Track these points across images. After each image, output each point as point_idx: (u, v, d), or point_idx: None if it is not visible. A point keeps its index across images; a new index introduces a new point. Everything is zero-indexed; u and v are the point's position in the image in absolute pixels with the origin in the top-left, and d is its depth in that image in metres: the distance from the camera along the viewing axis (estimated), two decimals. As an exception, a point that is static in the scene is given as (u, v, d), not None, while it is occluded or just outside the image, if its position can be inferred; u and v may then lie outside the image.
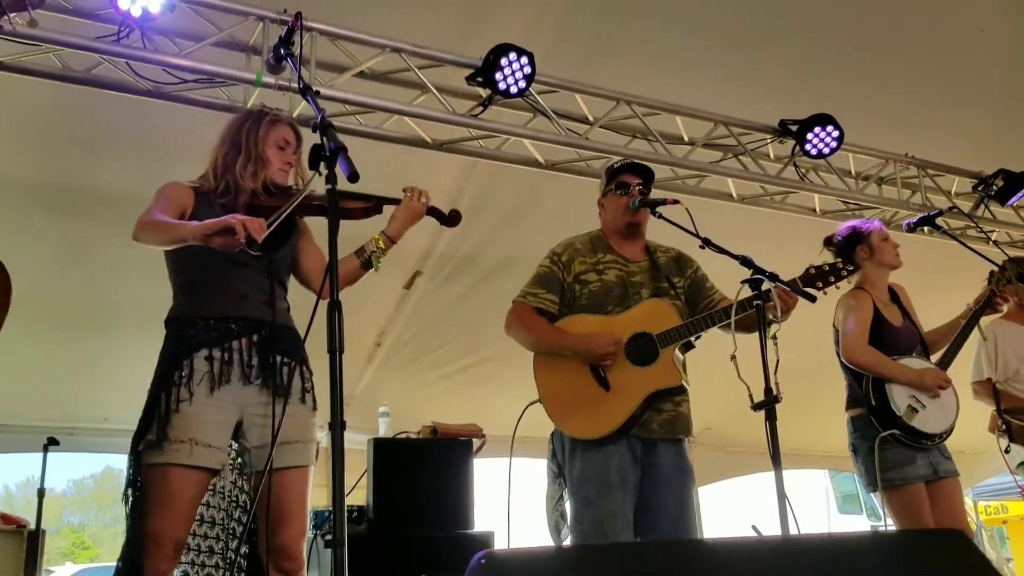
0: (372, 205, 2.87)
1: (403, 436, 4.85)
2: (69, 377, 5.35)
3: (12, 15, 2.26)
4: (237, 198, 2.68)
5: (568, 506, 3.09)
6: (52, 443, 4.62)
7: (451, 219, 3.03)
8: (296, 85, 3.50)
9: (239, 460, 2.68)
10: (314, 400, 2.70)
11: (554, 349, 3.08)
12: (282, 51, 3.06)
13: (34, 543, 4.41)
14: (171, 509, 2.46)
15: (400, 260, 5.28)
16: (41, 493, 4.59)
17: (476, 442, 4.83)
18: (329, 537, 4.11)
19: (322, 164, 2.12)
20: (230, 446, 2.64)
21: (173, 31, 3.48)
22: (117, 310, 5.00)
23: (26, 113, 3.93)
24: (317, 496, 5.76)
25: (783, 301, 2.92)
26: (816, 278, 3.09)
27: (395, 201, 2.89)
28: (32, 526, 4.53)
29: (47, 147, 4.20)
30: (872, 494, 3.80)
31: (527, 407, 3.12)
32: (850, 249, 3.97)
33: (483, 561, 1.14)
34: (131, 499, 2.57)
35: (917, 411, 3.66)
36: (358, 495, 4.60)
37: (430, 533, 4.39)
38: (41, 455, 4.72)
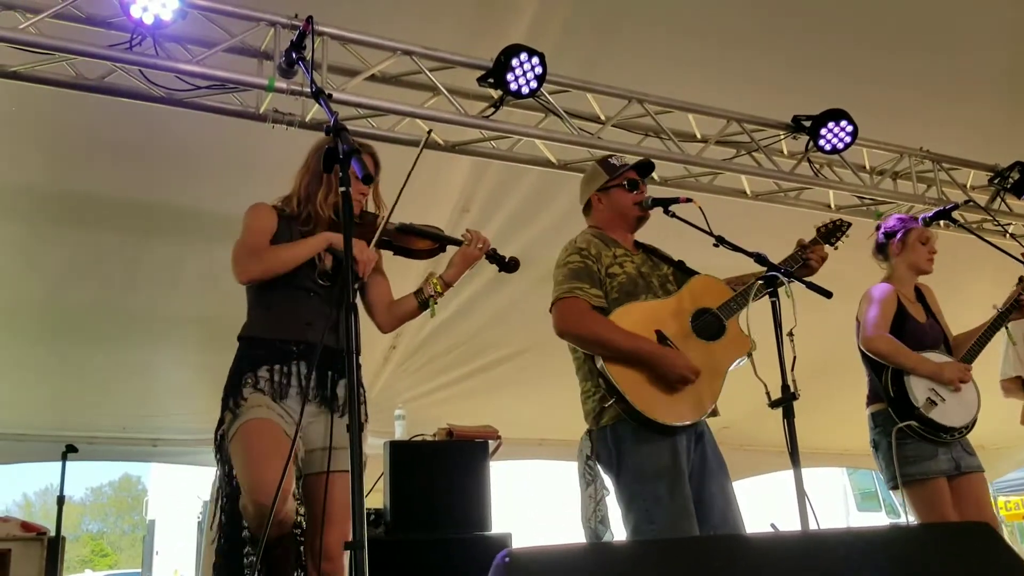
0: (438, 246, 2.95)
1: (419, 439, 4.85)
2: (87, 386, 5.38)
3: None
4: (316, 228, 2.83)
5: (611, 507, 3.00)
6: (71, 450, 4.65)
7: (511, 266, 3.08)
8: (308, 89, 3.52)
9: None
10: (366, 412, 2.76)
11: (630, 357, 2.91)
12: (294, 55, 3.07)
13: (54, 550, 4.44)
14: (265, 448, 2.52)
15: (414, 263, 5.28)
16: (61, 500, 4.62)
17: (492, 444, 4.83)
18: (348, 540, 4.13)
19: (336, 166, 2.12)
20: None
21: (185, 38, 3.48)
22: (133, 320, 5.03)
23: (39, 122, 3.96)
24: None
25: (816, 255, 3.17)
26: (828, 235, 3.36)
27: (456, 241, 2.98)
28: (52, 533, 4.56)
29: (61, 157, 4.23)
30: (894, 491, 3.76)
31: (612, 401, 2.94)
32: (887, 241, 3.99)
33: (507, 560, 1.13)
34: (226, 473, 2.68)
35: (936, 404, 3.63)
36: (375, 498, 4.60)
37: (448, 535, 4.39)
38: (59, 464, 4.75)
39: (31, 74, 3.40)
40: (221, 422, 2.70)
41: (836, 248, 3.41)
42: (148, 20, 3.24)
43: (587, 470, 3.01)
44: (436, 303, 2.94)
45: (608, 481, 3.01)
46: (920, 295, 3.99)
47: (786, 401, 2.86)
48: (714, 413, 3.05)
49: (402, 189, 2.42)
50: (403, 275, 2.98)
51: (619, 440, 2.93)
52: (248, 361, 2.72)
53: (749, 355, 3.06)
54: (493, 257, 3.02)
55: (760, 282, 3.01)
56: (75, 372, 5.22)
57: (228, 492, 2.69)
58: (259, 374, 2.67)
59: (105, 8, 3.35)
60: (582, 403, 3.11)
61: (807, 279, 3.08)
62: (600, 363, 2.95)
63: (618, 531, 3.02)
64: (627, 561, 1.20)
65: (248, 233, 2.79)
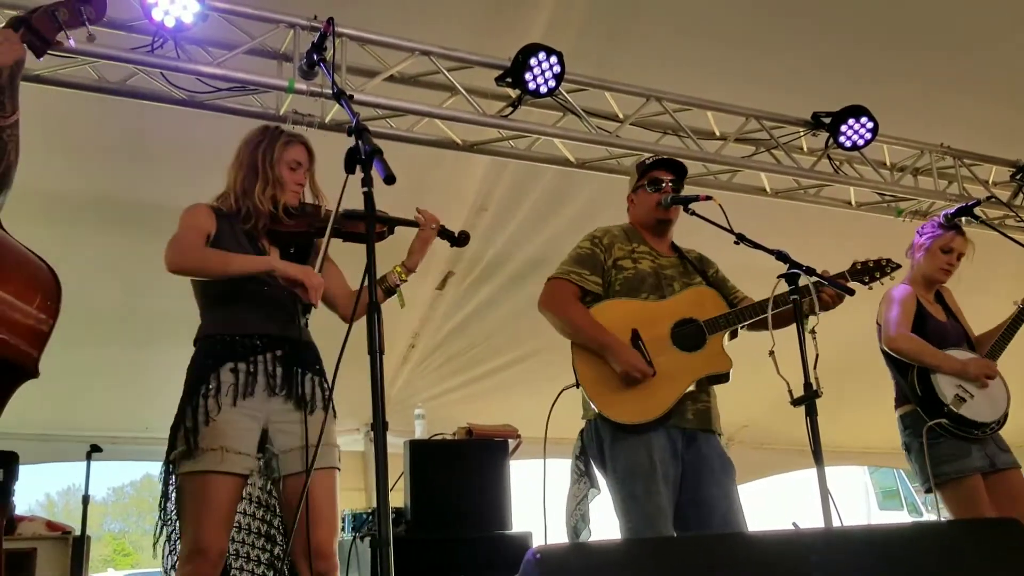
0: (387, 228, 2.92)
1: (439, 438, 4.86)
2: (110, 387, 5.42)
3: (69, 31, 2.30)
4: (258, 223, 2.75)
5: (590, 505, 3.05)
6: (95, 450, 4.69)
7: (461, 240, 3.06)
8: (327, 90, 3.55)
9: (267, 468, 2.73)
10: (334, 409, 2.77)
11: (589, 346, 3.00)
12: (315, 57, 3.08)
13: (79, 549, 4.48)
14: (211, 516, 2.52)
15: (432, 262, 5.30)
16: (86, 500, 4.66)
17: (511, 443, 4.84)
18: (369, 538, 4.14)
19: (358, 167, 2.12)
20: (259, 455, 2.69)
21: (206, 40, 3.52)
22: (156, 320, 5.07)
23: (61, 125, 3.98)
24: (355, 499, 5.84)
25: (828, 297, 2.98)
26: (862, 272, 3.17)
27: (408, 222, 2.92)
28: (76, 532, 4.60)
29: (83, 160, 4.27)
30: (929, 493, 3.71)
31: (563, 390, 3.06)
32: (914, 244, 3.97)
33: (537, 556, 1.14)
34: (169, 510, 2.64)
35: (965, 400, 3.60)
36: (395, 497, 4.57)
37: (468, 534, 4.40)
38: (81, 464, 4.79)
39: (54, 77, 3.44)
40: (174, 439, 2.59)
41: (870, 288, 3.27)
42: (169, 23, 3.27)
43: (575, 467, 3.10)
44: (401, 293, 2.90)
45: (600, 478, 3.07)
46: (939, 296, 3.97)
47: (809, 399, 2.84)
48: (707, 429, 3.02)
49: (345, 183, 2.33)
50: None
51: (601, 438, 3.00)
52: (210, 360, 2.64)
53: (721, 377, 3.03)
54: (444, 232, 3.00)
55: (780, 280, 2.98)
56: (99, 372, 5.26)
57: (173, 523, 2.65)
58: (222, 376, 2.60)
59: (126, 11, 3.38)
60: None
61: (828, 279, 3.03)
62: (572, 351, 3.03)
63: (598, 529, 3.08)
64: (656, 556, 1.20)
65: (182, 231, 2.68)
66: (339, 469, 2.73)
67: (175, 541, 2.63)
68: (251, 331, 2.68)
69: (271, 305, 2.72)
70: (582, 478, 3.07)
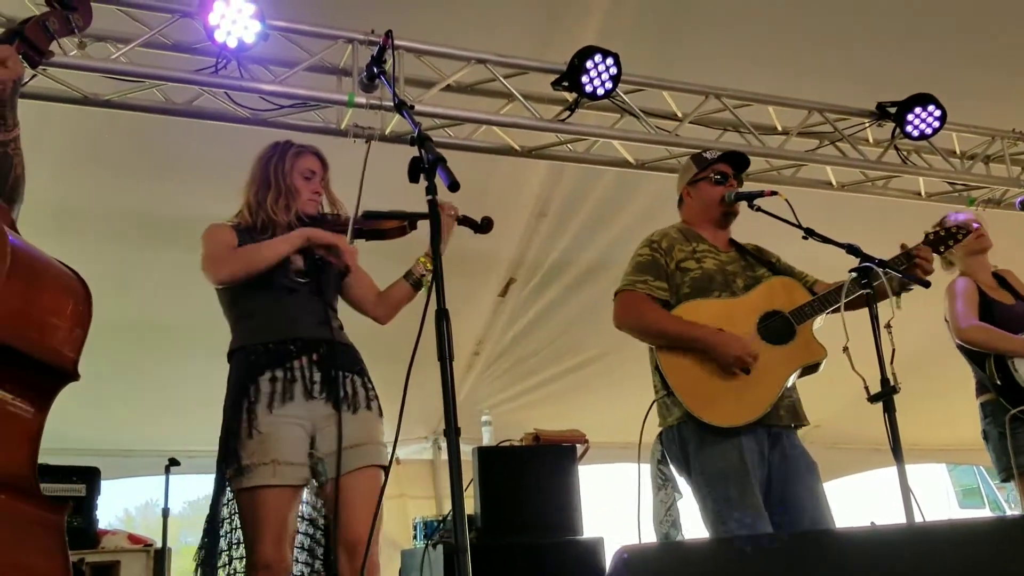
0: (407, 223, 2.92)
1: (506, 444, 4.86)
2: (186, 402, 5.54)
3: (62, 39, 2.38)
4: (275, 233, 2.77)
5: (683, 510, 2.99)
6: (173, 463, 4.79)
7: (484, 226, 3.03)
8: (386, 103, 3.59)
9: (314, 472, 2.71)
10: (379, 407, 2.77)
11: (683, 343, 2.90)
12: (375, 70, 3.12)
13: (161, 561, 4.58)
14: (270, 531, 2.54)
15: (494, 268, 5.32)
16: (166, 513, 4.77)
17: (579, 448, 4.82)
18: (441, 545, 4.14)
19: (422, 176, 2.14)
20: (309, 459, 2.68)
21: (267, 59, 3.59)
22: (220, 335, 5.17)
23: (75, 142, 4.03)
24: (425, 507, 5.87)
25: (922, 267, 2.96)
26: (936, 243, 3.13)
27: (425, 216, 2.91)
28: (157, 545, 4.71)
29: (100, 174, 4.32)
30: (1007, 483, 3.61)
31: (654, 402, 2.98)
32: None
33: (625, 556, 1.13)
34: (223, 524, 2.65)
35: None
36: (464, 504, 4.62)
37: (539, 540, 4.38)
38: (156, 478, 4.90)
39: (123, 101, 3.54)
40: (224, 456, 2.60)
41: (944, 255, 3.28)
42: (232, 43, 3.34)
43: (659, 473, 3.00)
44: (429, 281, 2.87)
45: (682, 483, 2.98)
46: (1003, 281, 3.86)
47: (886, 395, 2.76)
48: (798, 424, 2.96)
49: (361, 183, 2.34)
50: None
51: (685, 441, 2.91)
52: (247, 371, 2.64)
53: (815, 367, 2.95)
54: (465, 220, 2.98)
55: (852, 275, 2.91)
56: (171, 387, 5.38)
57: (230, 539, 2.66)
58: (262, 387, 2.61)
59: (191, 34, 3.47)
60: (654, 400, 3.08)
61: (901, 272, 2.95)
62: (656, 356, 2.93)
63: (691, 534, 3.00)
64: (746, 554, 1.17)
65: (210, 247, 2.72)
66: (384, 467, 2.68)
67: (231, 558, 2.64)
68: (283, 337, 2.68)
69: (299, 309, 2.72)
70: (667, 483, 2.97)
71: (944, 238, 3.17)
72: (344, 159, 3.10)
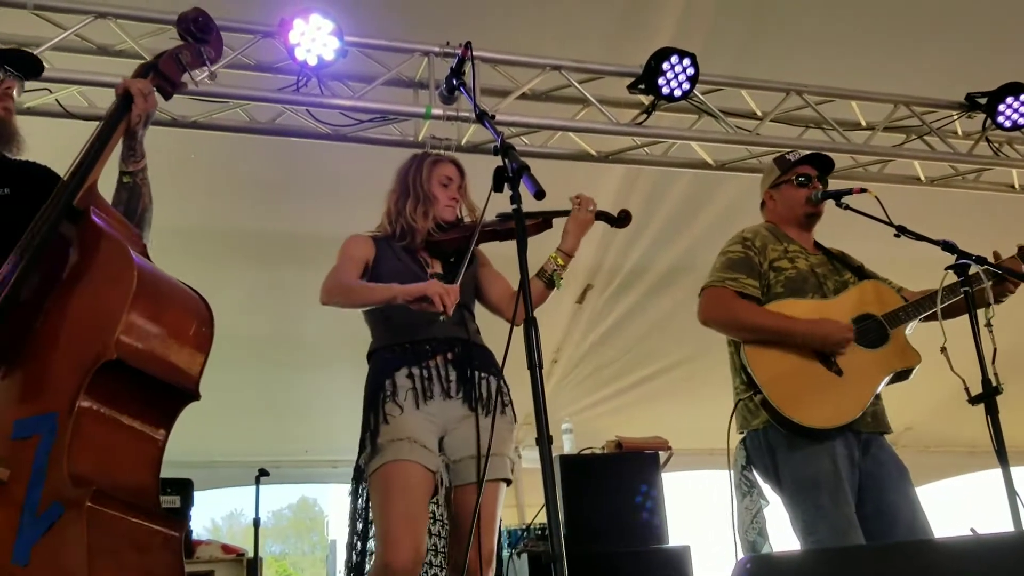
0: (542, 221, 2.90)
1: (588, 452, 4.83)
2: (271, 414, 5.67)
3: (194, 72, 2.40)
4: (414, 239, 2.81)
5: (770, 517, 2.91)
6: (263, 474, 4.90)
7: (621, 220, 3.00)
8: (463, 113, 3.62)
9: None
10: (514, 413, 2.75)
11: (777, 336, 2.82)
12: (454, 82, 3.13)
13: (253, 570, 4.69)
14: (404, 504, 2.48)
15: (570, 275, 5.22)
16: (256, 523, 4.88)
17: (663, 455, 4.76)
18: (526, 554, 4.13)
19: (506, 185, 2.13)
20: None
21: (346, 75, 3.65)
22: (306, 346, 5.27)
23: (212, 165, 4.21)
24: (507, 516, 5.87)
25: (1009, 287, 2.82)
26: None
27: (563, 213, 2.89)
28: (249, 555, 4.83)
29: (236, 195, 4.50)
30: None
31: (739, 401, 2.91)
32: None
33: (748, 566, 1.10)
34: (358, 514, 2.67)
35: None
36: (546, 514, 4.60)
37: (624, 548, 4.34)
38: (243, 489, 5.02)
39: (209, 122, 3.65)
40: (362, 446, 2.62)
41: None
42: (312, 61, 3.41)
43: (743, 480, 2.91)
44: (561, 278, 2.85)
45: (767, 490, 2.90)
46: None
47: (988, 396, 2.65)
48: (883, 431, 2.87)
49: (489, 195, 2.34)
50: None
51: (772, 448, 2.82)
52: (384, 367, 2.67)
53: (907, 373, 2.84)
54: (602, 215, 2.94)
55: (949, 272, 2.81)
56: (261, 399, 5.51)
57: (362, 531, 2.67)
58: (398, 381, 2.62)
59: (272, 54, 3.56)
60: (735, 403, 3.00)
61: (1002, 268, 2.83)
62: (743, 354, 2.84)
63: (777, 542, 2.90)
64: (868, 565, 1.13)
65: (339, 262, 2.78)
66: (507, 481, 2.69)
67: (362, 552, 2.64)
68: (419, 337, 2.70)
69: (432, 312, 2.67)
70: (752, 490, 2.89)
71: None
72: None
